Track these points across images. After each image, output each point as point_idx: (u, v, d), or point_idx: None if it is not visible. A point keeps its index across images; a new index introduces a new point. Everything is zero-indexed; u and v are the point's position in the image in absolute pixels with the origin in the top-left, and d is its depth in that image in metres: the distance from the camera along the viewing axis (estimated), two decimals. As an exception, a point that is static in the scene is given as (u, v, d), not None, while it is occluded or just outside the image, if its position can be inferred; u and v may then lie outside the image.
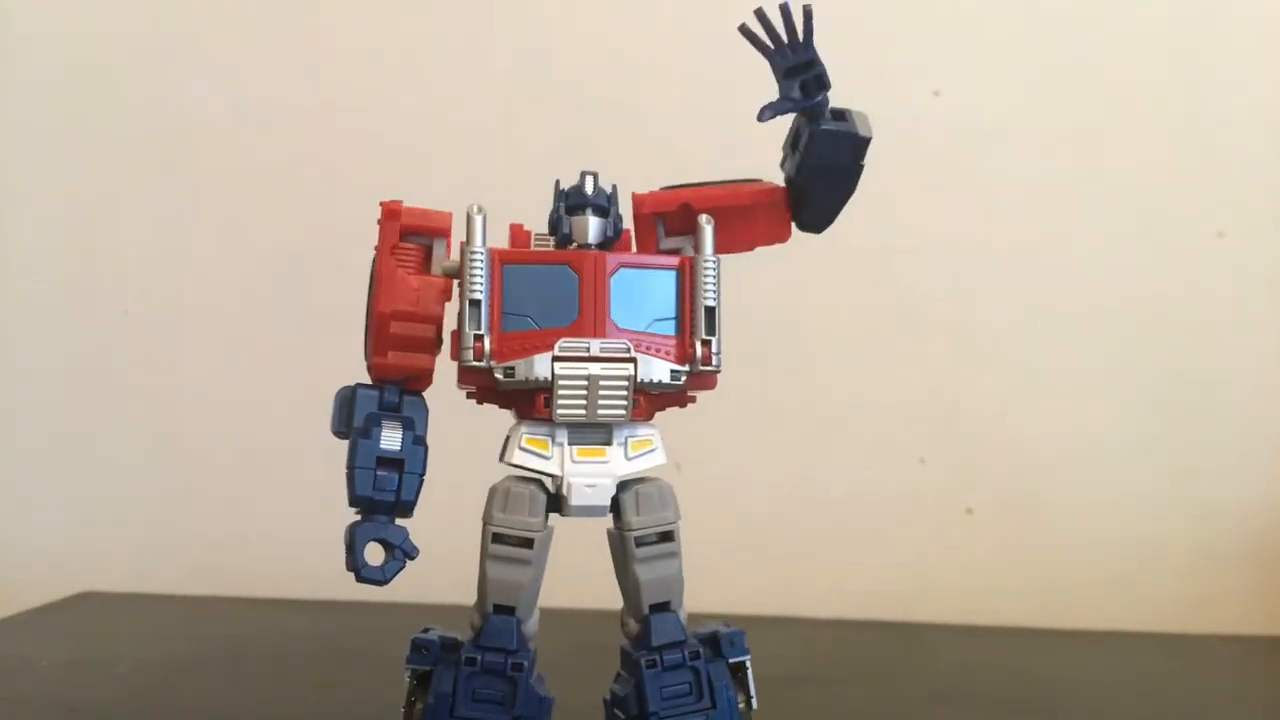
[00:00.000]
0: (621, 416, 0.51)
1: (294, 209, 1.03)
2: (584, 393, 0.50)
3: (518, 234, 0.54)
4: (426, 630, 0.53)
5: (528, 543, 0.51)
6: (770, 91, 0.51)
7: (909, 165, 0.97)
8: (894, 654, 0.84)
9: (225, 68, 1.05)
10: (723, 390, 1.01)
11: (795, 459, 0.99)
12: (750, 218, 0.54)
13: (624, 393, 0.50)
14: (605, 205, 0.52)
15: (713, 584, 0.87)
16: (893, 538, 0.98)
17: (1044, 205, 0.98)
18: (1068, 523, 0.96)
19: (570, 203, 0.52)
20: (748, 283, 0.98)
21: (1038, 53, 0.98)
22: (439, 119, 1.02)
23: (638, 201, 0.53)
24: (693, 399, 0.54)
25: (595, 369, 0.50)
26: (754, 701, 0.53)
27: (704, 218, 0.52)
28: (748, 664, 0.53)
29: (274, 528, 1.02)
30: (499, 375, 0.50)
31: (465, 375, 0.51)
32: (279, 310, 1.04)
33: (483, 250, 0.50)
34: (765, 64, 0.50)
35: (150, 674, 0.75)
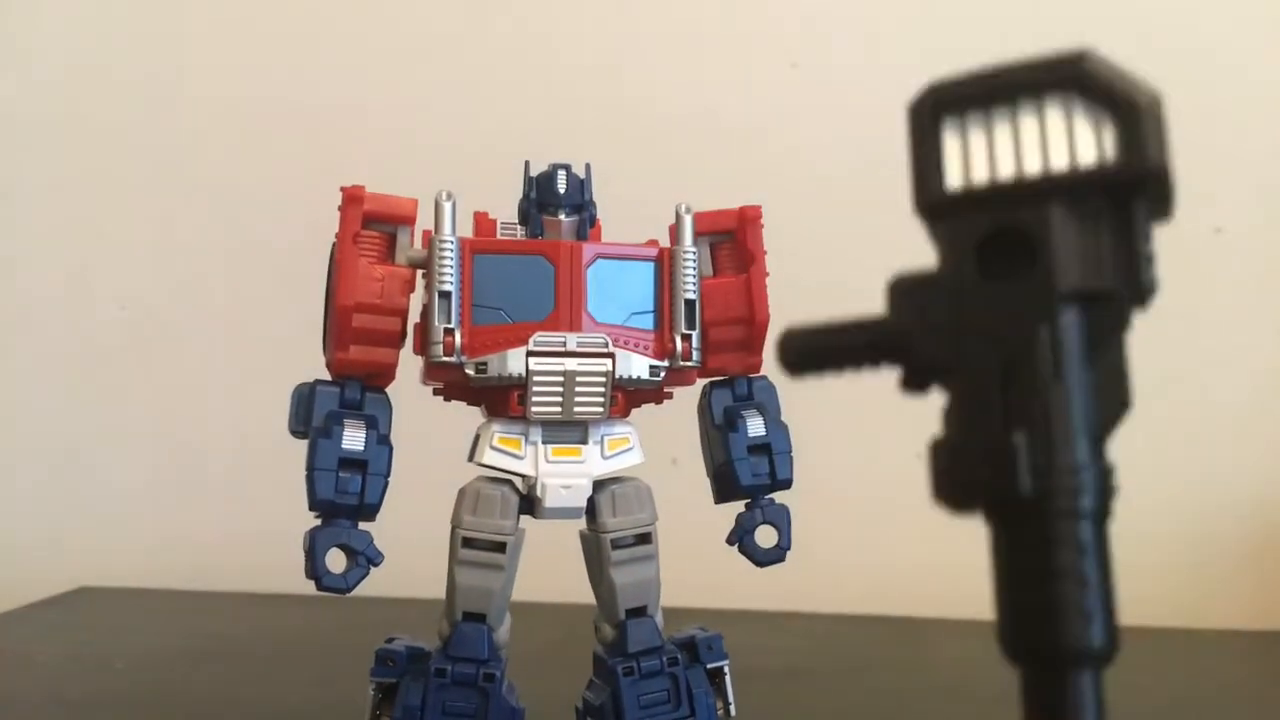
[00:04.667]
0: (599, 414, 0.48)
1: (293, 206, 1.03)
2: (560, 389, 0.47)
3: (482, 222, 0.51)
4: (391, 640, 0.50)
5: (500, 547, 0.48)
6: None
7: (904, 162, 0.97)
8: (893, 648, 0.83)
9: (223, 68, 1.03)
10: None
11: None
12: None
13: (601, 389, 0.47)
14: (579, 202, 0.49)
15: (710, 579, 0.87)
16: (891, 532, 0.97)
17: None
18: (1064, 518, 0.96)
19: (542, 199, 0.49)
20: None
21: (1033, 50, 0.98)
22: (433, 114, 1.02)
23: None
24: (669, 395, 0.51)
25: (572, 364, 0.47)
26: (732, 709, 0.51)
27: (682, 206, 0.49)
28: (726, 669, 0.51)
29: (271, 523, 1.00)
30: (470, 371, 0.47)
31: (433, 371, 0.48)
32: (276, 306, 1.03)
33: (452, 239, 0.47)
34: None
35: (147, 669, 0.74)
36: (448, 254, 0.47)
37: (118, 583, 0.99)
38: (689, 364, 0.49)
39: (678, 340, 0.49)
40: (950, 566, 0.97)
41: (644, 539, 0.50)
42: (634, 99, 0.99)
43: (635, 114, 0.98)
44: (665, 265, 0.49)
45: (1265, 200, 0.95)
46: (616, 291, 0.49)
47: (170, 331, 1.04)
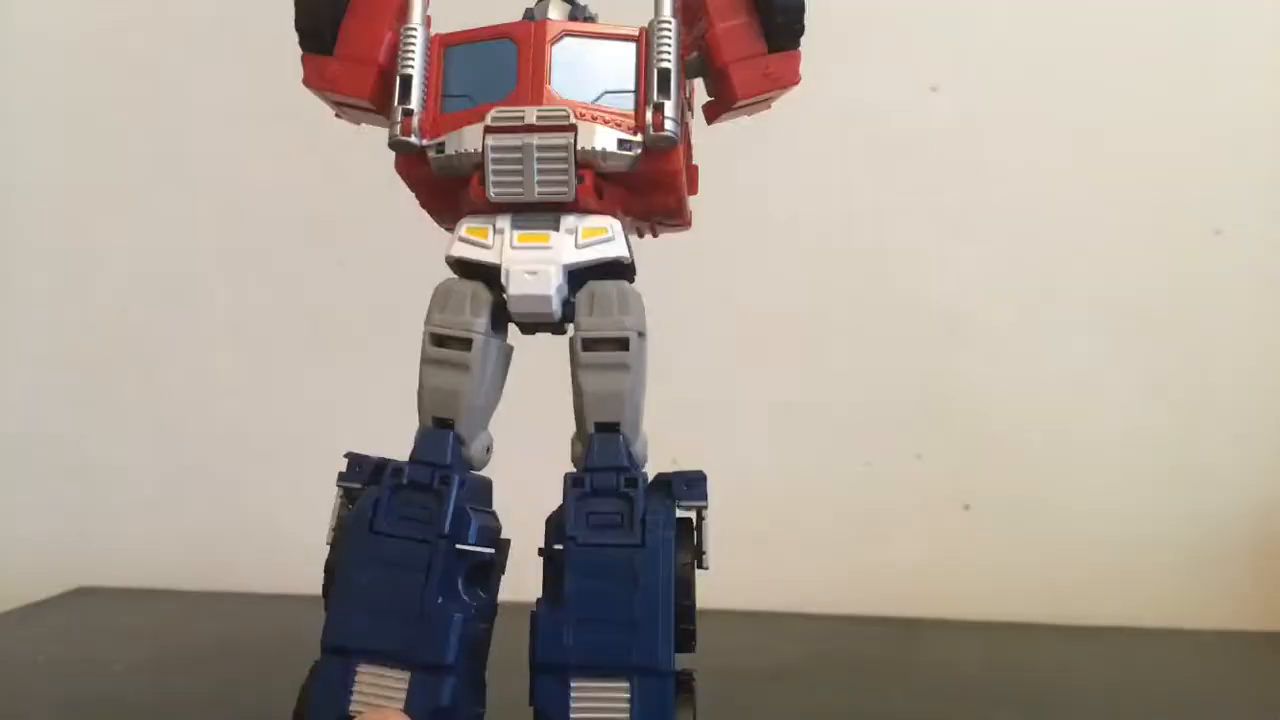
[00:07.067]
0: (564, 193, 0.45)
1: (293, 208, 1.03)
2: (519, 166, 0.45)
3: None
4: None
5: (466, 344, 0.45)
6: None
7: (906, 161, 0.97)
8: (891, 649, 0.82)
9: (222, 67, 1.04)
10: (720, 385, 1.01)
11: (792, 455, 0.97)
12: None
13: (564, 165, 0.45)
14: None
15: (708, 579, 0.87)
16: (890, 534, 0.97)
17: (1041, 202, 0.96)
18: (1064, 519, 0.94)
19: None
20: (746, 280, 0.99)
21: (1035, 49, 0.97)
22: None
23: None
24: (671, 226, 0.50)
25: (532, 139, 0.45)
26: (706, 559, 0.44)
27: None
28: (704, 513, 0.45)
29: (271, 523, 1.01)
30: (432, 155, 0.46)
31: (401, 163, 0.47)
32: (277, 307, 1.03)
33: (419, 27, 0.47)
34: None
35: (146, 670, 0.73)
36: (412, 40, 0.47)
37: (117, 583, 0.98)
38: (663, 134, 0.45)
39: (649, 111, 0.45)
40: (947, 567, 0.97)
41: (621, 345, 0.45)
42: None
43: None
44: (643, 46, 0.47)
45: (1265, 202, 0.95)
46: (587, 69, 0.46)
47: (171, 331, 1.04)
